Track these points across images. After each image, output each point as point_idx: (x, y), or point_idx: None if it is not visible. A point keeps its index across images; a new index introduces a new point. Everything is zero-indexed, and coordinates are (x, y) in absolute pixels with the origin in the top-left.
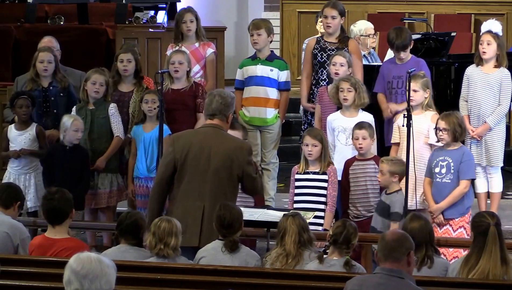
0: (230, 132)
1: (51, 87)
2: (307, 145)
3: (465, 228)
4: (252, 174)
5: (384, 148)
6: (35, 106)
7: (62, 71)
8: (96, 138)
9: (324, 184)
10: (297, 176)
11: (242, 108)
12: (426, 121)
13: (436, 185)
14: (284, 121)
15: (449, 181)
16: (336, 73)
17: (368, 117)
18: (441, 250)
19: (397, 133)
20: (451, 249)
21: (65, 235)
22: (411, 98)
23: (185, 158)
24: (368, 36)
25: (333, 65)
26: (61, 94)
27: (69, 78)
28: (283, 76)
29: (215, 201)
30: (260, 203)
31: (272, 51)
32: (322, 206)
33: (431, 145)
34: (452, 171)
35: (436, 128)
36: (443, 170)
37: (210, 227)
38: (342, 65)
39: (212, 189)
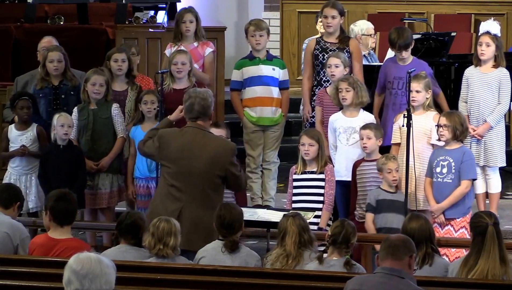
0: (213, 130)
1: (61, 85)
2: (303, 145)
3: (466, 229)
4: (236, 173)
5: (381, 148)
6: (46, 105)
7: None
8: (97, 138)
9: (322, 183)
10: (295, 176)
11: (245, 108)
12: (428, 121)
13: (437, 185)
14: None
15: (450, 181)
16: (333, 75)
17: (369, 117)
18: (443, 251)
19: (398, 134)
20: (453, 250)
21: (68, 235)
22: (413, 98)
23: (168, 158)
24: (370, 35)
25: (328, 67)
26: (72, 93)
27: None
28: (284, 74)
29: (195, 204)
30: (242, 201)
31: (267, 50)
32: (321, 206)
33: (433, 145)
34: (453, 171)
35: (438, 125)
36: (444, 170)
37: (188, 230)
38: (337, 66)
39: (192, 191)
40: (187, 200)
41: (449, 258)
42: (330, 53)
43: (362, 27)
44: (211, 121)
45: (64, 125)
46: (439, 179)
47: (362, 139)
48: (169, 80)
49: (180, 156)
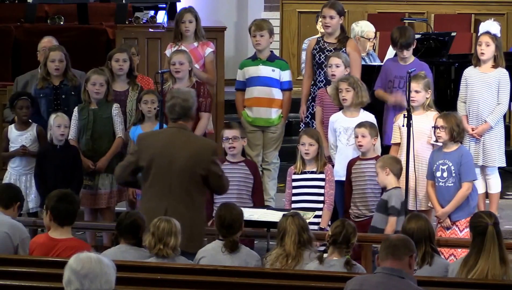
0: (226, 131)
1: (62, 85)
2: (303, 144)
3: None
4: (218, 172)
5: (382, 148)
6: (46, 105)
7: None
8: (97, 138)
9: (322, 183)
10: (294, 177)
11: (244, 108)
12: (428, 121)
13: (439, 189)
14: (286, 121)
15: (452, 184)
16: (333, 75)
17: (370, 117)
18: (451, 251)
19: (398, 133)
20: (459, 250)
21: (69, 235)
22: (412, 98)
23: (149, 159)
24: (368, 39)
25: (329, 67)
26: (72, 93)
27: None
28: (285, 76)
29: (179, 202)
30: (260, 204)
31: (271, 51)
32: (321, 205)
33: (433, 145)
34: (453, 174)
35: (434, 127)
36: (445, 174)
37: None
38: (338, 66)
39: (175, 190)
40: (170, 199)
41: (456, 259)
42: (327, 53)
43: (362, 29)
44: (193, 120)
45: (61, 126)
46: (440, 184)
47: (357, 137)
48: (170, 80)
49: (161, 155)
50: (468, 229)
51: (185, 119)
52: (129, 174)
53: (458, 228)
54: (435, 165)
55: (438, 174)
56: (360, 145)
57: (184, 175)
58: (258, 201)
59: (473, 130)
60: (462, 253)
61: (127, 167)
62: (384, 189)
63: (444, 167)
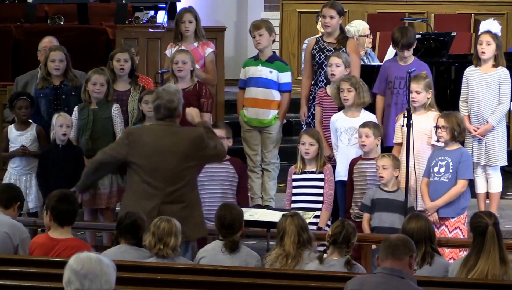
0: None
1: (62, 86)
2: (304, 144)
3: (460, 229)
4: (213, 147)
5: (382, 148)
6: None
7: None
8: (97, 138)
9: (322, 183)
10: (294, 176)
11: (243, 107)
12: (428, 122)
13: (433, 183)
14: (285, 122)
15: (447, 180)
16: (333, 74)
17: (371, 117)
18: (441, 251)
19: (399, 133)
20: (447, 250)
21: (69, 235)
22: (413, 99)
23: (140, 154)
24: (366, 36)
25: (329, 66)
26: (73, 93)
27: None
28: (283, 77)
29: (171, 199)
30: (244, 203)
31: (274, 52)
32: (320, 205)
33: (433, 146)
34: (450, 170)
35: (436, 127)
36: (442, 169)
37: None
38: (338, 66)
39: (167, 186)
40: (163, 196)
41: (446, 258)
42: (327, 53)
43: (358, 28)
44: (180, 118)
45: (63, 125)
46: (435, 178)
47: (361, 137)
48: (172, 79)
49: (153, 152)
50: (457, 230)
51: (171, 119)
52: (113, 165)
53: (448, 228)
54: (434, 161)
55: (435, 169)
56: (364, 145)
57: (177, 172)
58: (242, 201)
59: (475, 131)
60: (450, 253)
61: (114, 156)
62: (383, 187)
63: (443, 163)
